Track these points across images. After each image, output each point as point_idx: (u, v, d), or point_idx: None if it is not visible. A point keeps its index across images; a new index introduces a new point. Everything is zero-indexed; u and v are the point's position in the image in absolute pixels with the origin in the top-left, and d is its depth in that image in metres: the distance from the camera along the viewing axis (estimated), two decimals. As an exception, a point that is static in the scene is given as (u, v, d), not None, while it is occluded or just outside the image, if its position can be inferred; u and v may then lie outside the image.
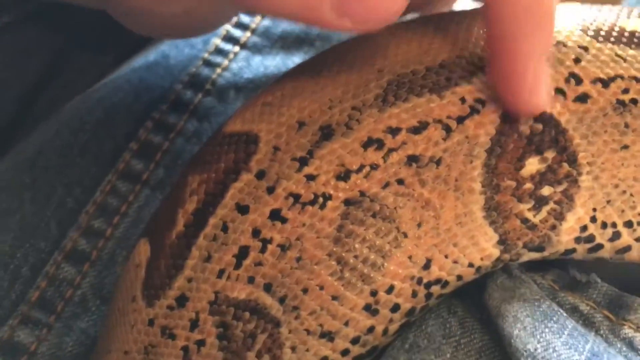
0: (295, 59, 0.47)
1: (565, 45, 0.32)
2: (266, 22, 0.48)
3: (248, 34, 0.48)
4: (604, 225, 0.32)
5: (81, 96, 0.46)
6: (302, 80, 0.33)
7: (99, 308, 0.40)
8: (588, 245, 0.33)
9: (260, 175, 0.31)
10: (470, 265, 0.32)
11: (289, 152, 0.31)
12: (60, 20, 0.48)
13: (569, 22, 0.33)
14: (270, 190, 0.31)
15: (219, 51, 0.47)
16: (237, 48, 0.47)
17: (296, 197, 0.31)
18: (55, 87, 0.48)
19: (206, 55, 0.47)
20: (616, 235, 0.33)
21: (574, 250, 0.33)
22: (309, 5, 0.29)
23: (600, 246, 0.33)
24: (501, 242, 0.32)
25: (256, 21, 0.48)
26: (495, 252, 0.32)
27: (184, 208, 0.32)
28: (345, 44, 0.35)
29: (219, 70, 0.46)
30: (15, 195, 0.42)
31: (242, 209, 0.31)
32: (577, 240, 0.33)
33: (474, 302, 0.33)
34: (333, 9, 0.29)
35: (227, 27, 0.48)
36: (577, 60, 0.32)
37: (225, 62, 0.47)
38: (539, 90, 0.31)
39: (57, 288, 0.40)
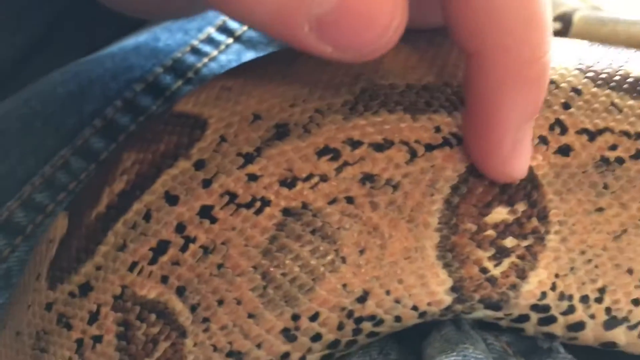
0: None
1: (557, 86, 0.29)
2: None
3: (245, 27, 0.45)
4: (562, 296, 0.29)
5: (62, 68, 0.44)
6: (270, 70, 0.30)
7: None
8: (541, 315, 0.29)
9: (199, 165, 0.28)
10: (414, 308, 0.28)
11: (236, 146, 0.28)
12: None
13: (567, 58, 0.29)
14: (206, 183, 0.28)
15: (211, 40, 0.44)
16: (230, 40, 0.44)
17: (232, 196, 0.28)
18: (43, 56, 0.46)
19: (196, 42, 0.44)
20: (570, 309, 0.29)
21: (527, 318, 0.29)
22: (283, 19, 0.24)
23: (553, 319, 0.29)
24: (455, 289, 0.28)
25: None
26: (447, 300, 0.28)
27: (111, 187, 0.29)
28: None
29: (205, 59, 0.44)
30: None
31: (171, 199, 0.28)
32: (533, 307, 0.29)
33: (412, 348, 0.30)
34: (312, 29, 0.24)
35: (225, 17, 0.45)
36: (566, 105, 0.28)
37: (215, 53, 0.44)
38: (515, 161, 0.27)
39: None
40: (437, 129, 0.28)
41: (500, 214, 0.28)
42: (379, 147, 0.28)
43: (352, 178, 0.28)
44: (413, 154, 0.28)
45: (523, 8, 0.25)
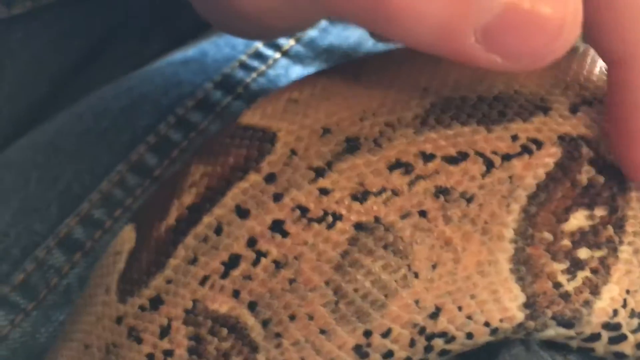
0: None
1: None
2: (313, 33, 0.45)
3: (292, 42, 0.45)
4: (632, 314, 0.28)
5: (113, 83, 0.45)
6: (336, 83, 0.30)
7: None
8: (612, 334, 0.29)
9: (270, 179, 0.28)
10: (487, 324, 0.28)
11: (307, 159, 0.28)
12: (108, 5, 0.46)
13: None
14: (277, 197, 0.28)
15: (258, 55, 0.45)
16: (277, 54, 0.45)
17: (304, 210, 0.27)
18: (92, 72, 0.47)
19: (244, 57, 0.44)
20: None
21: (598, 337, 0.29)
22: (447, 34, 0.23)
23: (623, 337, 0.29)
24: (528, 305, 0.28)
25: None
26: (519, 316, 0.28)
27: (180, 200, 0.29)
28: (392, 53, 0.31)
29: (254, 74, 0.44)
30: (23, 173, 0.41)
31: (242, 213, 0.28)
32: (605, 325, 0.29)
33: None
34: (479, 40, 0.23)
35: None
36: None
37: (263, 68, 0.44)
38: None
39: (43, 274, 0.38)
40: (515, 138, 0.27)
41: (578, 219, 0.28)
42: (453, 160, 0.27)
43: (425, 192, 0.27)
44: (489, 165, 0.27)
45: None
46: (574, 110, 0.28)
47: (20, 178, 0.40)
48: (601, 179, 0.28)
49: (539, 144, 0.27)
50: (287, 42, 0.46)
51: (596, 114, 0.28)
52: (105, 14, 0.47)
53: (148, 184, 0.40)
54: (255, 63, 0.45)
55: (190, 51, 0.46)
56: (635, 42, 0.25)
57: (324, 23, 0.46)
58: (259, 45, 0.45)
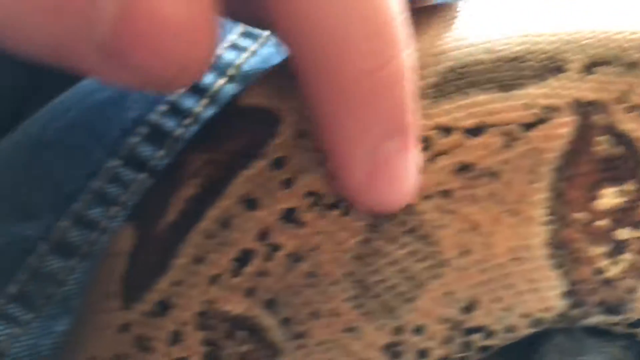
0: None
1: None
2: None
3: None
4: None
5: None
6: None
7: None
8: None
9: (278, 164, 0.26)
10: (526, 315, 0.26)
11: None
12: None
13: None
14: (288, 184, 0.25)
15: (249, 34, 0.42)
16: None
17: (318, 196, 0.25)
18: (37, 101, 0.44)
19: (235, 37, 0.42)
20: None
21: None
22: (66, 52, 0.21)
23: None
24: (569, 293, 0.26)
25: None
26: (560, 305, 0.26)
27: (180, 193, 0.26)
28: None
29: (245, 54, 0.41)
30: (7, 176, 0.38)
31: (250, 203, 0.25)
32: None
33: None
34: (102, 57, 0.20)
35: None
36: None
37: (254, 47, 0.41)
38: (381, 187, 0.23)
39: (39, 283, 0.35)
40: (530, 105, 0.25)
41: (609, 197, 0.25)
42: (472, 132, 0.25)
43: (447, 169, 0.25)
44: (511, 137, 0.25)
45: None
46: (588, 70, 0.26)
47: (7, 180, 0.38)
48: (619, 150, 0.25)
49: (556, 110, 0.25)
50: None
51: (612, 76, 0.26)
52: None
53: (143, 177, 0.37)
54: (246, 42, 0.42)
55: None
56: (306, 41, 0.21)
57: None
58: (238, 30, 0.43)
